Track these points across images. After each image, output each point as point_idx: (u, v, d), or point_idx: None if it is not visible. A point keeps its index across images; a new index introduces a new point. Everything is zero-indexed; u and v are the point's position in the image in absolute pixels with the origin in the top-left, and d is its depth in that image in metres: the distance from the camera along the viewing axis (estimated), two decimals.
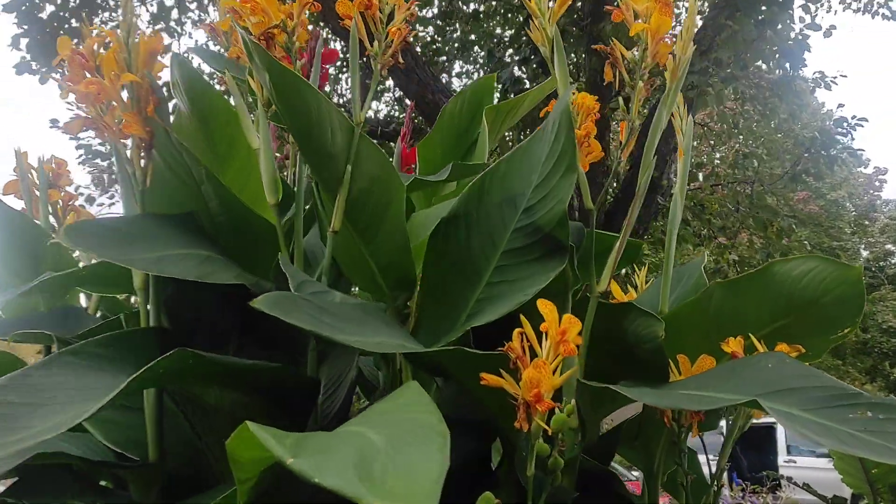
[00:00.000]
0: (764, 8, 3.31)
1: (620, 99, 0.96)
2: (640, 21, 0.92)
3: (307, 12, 0.96)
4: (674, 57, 0.96)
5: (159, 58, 0.85)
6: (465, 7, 5.25)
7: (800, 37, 3.64)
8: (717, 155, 8.51)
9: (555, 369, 0.72)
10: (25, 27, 4.19)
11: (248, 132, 0.94)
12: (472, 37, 4.94)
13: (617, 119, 5.55)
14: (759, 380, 0.80)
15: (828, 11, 7.31)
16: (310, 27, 1.01)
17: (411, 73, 4.18)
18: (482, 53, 5.02)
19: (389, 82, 5.02)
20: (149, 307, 0.84)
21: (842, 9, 7.67)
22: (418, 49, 4.88)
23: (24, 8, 3.94)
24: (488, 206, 0.97)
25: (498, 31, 5.27)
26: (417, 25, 5.28)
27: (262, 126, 0.93)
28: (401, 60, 0.95)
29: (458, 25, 5.24)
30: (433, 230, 0.97)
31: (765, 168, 6.88)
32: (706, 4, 4.88)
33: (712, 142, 8.55)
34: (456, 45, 4.85)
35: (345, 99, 7.05)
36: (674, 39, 0.95)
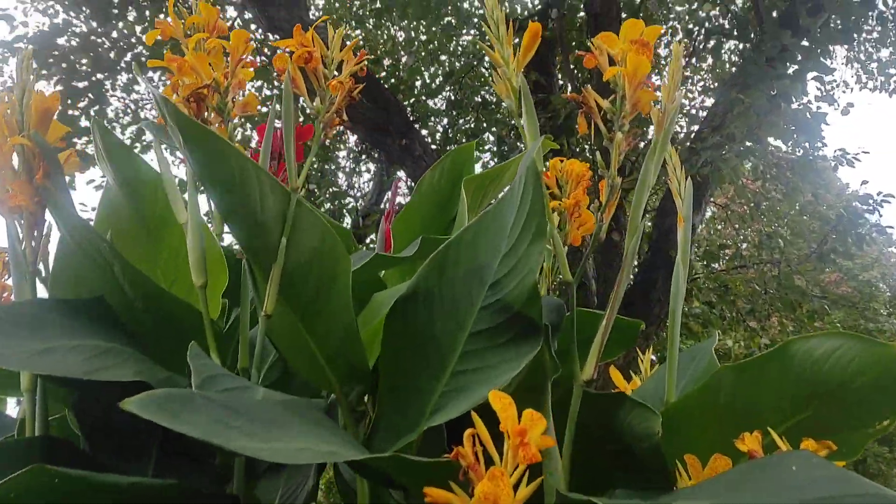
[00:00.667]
0: (775, 81, 3.23)
1: (598, 154, 0.84)
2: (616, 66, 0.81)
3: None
4: (659, 106, 0.83)
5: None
6: (475, 97, 5.27)
7: (815, 110, 3.54)
8: (742, 236, 8.34)
9: (518, 480, 0.57)
10: None
11: (175, 203, 0.83)
12: (484, 124, 4.93)
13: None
14: (783, 485, 0.63)
15: (844, 91, 7.27)
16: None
17: (419, 160, 4.14)
18: (492, 139, 5.01)
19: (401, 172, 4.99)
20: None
21: (858, 88, 7.63)
22: (427, 139, 4.86)
23: None
24: (452, 281, 0.83)
25: (508, 118, 5.26)
26: (431, 117, 5.30)
27: (191, 196, 0.82)
28: (345, 118, 0.84)
29: (470, 115, 5.25)
30: (389, 310, 0.84)
31: (791, 248, 6.69)
32: (714, 81, 4.84)
33: (736, 225, 8.40)
34: (467, 132, 4.83)
35: (361, 192, 7.06)
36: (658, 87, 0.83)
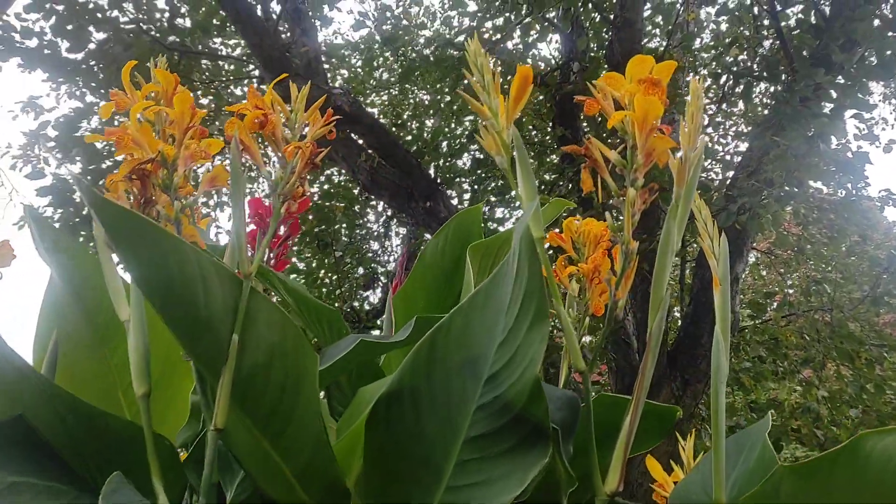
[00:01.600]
0: (812, 122, 3.07)
1: (608, 215, 0.70)
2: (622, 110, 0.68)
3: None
4: (679, 155, 0.70)
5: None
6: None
7: (856, 149, 3.37)
8: (788, 282, 8.02)
9: None
10: None
11: (116, 298, 0.71)
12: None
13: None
14: None
15: (883, 128, 7.03)
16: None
17: (445, 222, 4.01)
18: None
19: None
20: None
21: None
22: (454, 199, 4.77)
23: None
24: (442, 376, 0.69)
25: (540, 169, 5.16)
26: (457, 178, 5.21)
27: (134, 293, 0.70)
28: (308, 190, 0.72)
29: (496, 173, 5.15)
30: (369, 413, 0.70)
31: (841, 293, 6.39)
32: (747, 125, 4.67)
33: (781, 270, 8.10)
34: (493, 191, 4.72)
35: (394, 256, 6.99)
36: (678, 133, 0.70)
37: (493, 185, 4.71)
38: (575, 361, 0.68)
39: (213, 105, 5.05)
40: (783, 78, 3.51)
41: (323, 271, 5.33)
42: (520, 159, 0.73)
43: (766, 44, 4.28)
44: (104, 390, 0.82)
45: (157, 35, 4.03)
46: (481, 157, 4.86)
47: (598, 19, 4.27)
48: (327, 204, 5.09)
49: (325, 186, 5.40)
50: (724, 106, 4.38)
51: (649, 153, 0.69)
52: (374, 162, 3.74)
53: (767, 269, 8.47)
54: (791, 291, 7.76)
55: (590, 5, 4.12)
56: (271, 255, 1.39)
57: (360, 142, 3.84)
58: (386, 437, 0.70)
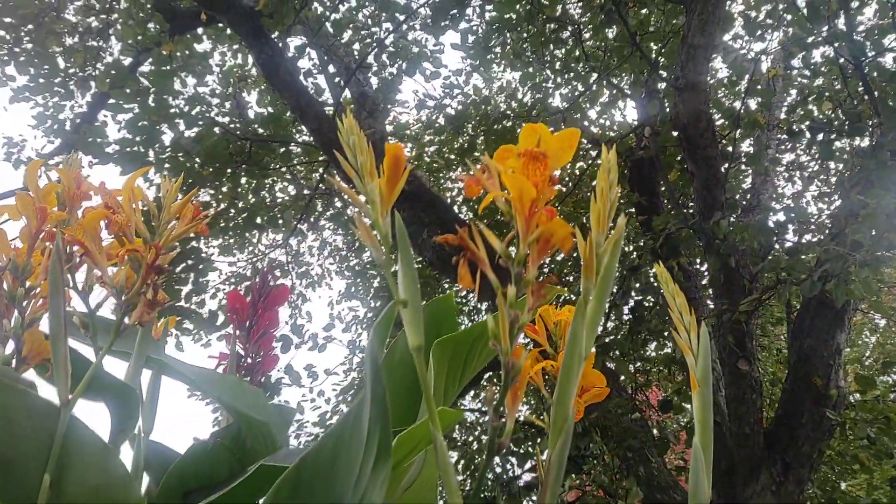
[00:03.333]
0: None
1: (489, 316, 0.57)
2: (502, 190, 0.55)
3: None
4: (587, 239, 0.57)
5: None
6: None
7: None
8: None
9: None
10: None
11: None
12: None
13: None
14: None
15: None
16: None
17: None
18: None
19: None
20: None
21: None
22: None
23: None
24: None
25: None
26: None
27: None
28: (163, 298, 0.62)
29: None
30: None
31: None
32: (827, 185, 4.33)
33: (876, 336, 7.44)
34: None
35: None
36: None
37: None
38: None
39: (289, 189, 5.17)
40: (869, 132, 3.23)
41: None
42: (402, 253, 0.62)
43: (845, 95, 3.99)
44: None
45: (230, 124, 4.18)
46: None
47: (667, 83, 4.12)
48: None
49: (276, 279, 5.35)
50: (811, 164, 4.09)
51: (545, 241, 0.56)
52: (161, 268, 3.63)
53: (890, 336, 7.78)
54: None
55: (659, 70, 3.98)
56: (258, 352, 1.31)
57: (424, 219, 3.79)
58: None
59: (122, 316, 0.60)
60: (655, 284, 3.98)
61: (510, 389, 0.54)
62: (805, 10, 3.63)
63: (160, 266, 0.60)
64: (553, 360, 0.81)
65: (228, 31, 5.07)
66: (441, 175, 5.47)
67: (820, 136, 3.43)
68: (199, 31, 5.05)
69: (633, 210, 4.62)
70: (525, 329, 0.92)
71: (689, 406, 4.37)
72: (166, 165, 4.11)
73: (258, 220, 4.96)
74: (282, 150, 4.53)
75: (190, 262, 4.48)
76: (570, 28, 4.62)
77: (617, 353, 4.29)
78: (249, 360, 1.30)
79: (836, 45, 3.54)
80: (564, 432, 0.54)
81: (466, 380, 1.02)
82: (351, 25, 4.67)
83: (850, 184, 2.93)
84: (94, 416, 0.73)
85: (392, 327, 1.03)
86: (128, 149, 3.98)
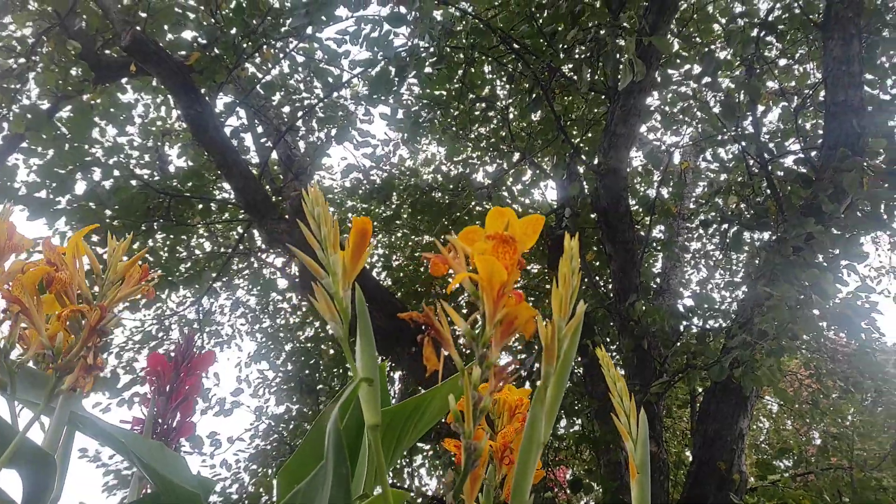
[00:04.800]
0: (805, 272, 2.95)
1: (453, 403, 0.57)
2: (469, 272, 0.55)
3: None
4: (546, 324, 0.57)
5: None
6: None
7: (864, 299, 3.23)
8: (805, 438, 7.63)
9: None
10: None
11: None
12: None
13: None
14: None
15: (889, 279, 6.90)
16: None
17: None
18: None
19: None
20: None
21: None
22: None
23: None
24: None
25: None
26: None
27: None
28: (100, 362, 0.59)
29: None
30: None
31: (861, 449, 6.02)
32: (733, 275, 4.57)
33: (797, 424, 7.74)
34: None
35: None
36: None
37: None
38: None
39: (205, 246, 5.04)
40: (774, 227, 3.43)
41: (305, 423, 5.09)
42: (361, 328, 0.61)
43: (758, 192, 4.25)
44: None
45: (149, 178, 4.08)
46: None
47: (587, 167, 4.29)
48: (312, 348, 4.95)
49: (312, 332, 5.28)
50: (718, 253, 4.30)
51: (509, 323, 0.56)
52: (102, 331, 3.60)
53: (780, 420, 8.09)
54: (808, 447, 7.36)
55: (581, 155, 4.13)
56: (175, 418, 1.25)
57: None
58: None
59: (57, 380, 0.57)
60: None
61: (470, 474, 0.53)
62: (717, 109, 3.88)
63: (104, 329, 0.57)
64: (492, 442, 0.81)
65: (154, 82, 5.00)
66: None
67: (728, 228, 3.61)
68: (124, 80, 4.96)
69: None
70: (460, 405, 0.92)
71: (596, 485, 4.39)
72: (77, 215, 3.95)
73: (169, 278, 4.80)
74: (200, 206, 4.43)
75: None
76: (497, 108, 4.77)
77: None
78: (166, 426, 1.24)
79: (743, 143, 3.78)
80: None
81: (400, 453, 1.00)
82: (282, 88, 4.68)
83: (756, 275, 3.08)
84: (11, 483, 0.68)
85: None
86: (35, 193, 3.82)
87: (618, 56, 2.61)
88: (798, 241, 3.15)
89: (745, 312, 3.11)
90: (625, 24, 2.76)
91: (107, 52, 4.74)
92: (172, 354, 1.25)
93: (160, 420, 1.22)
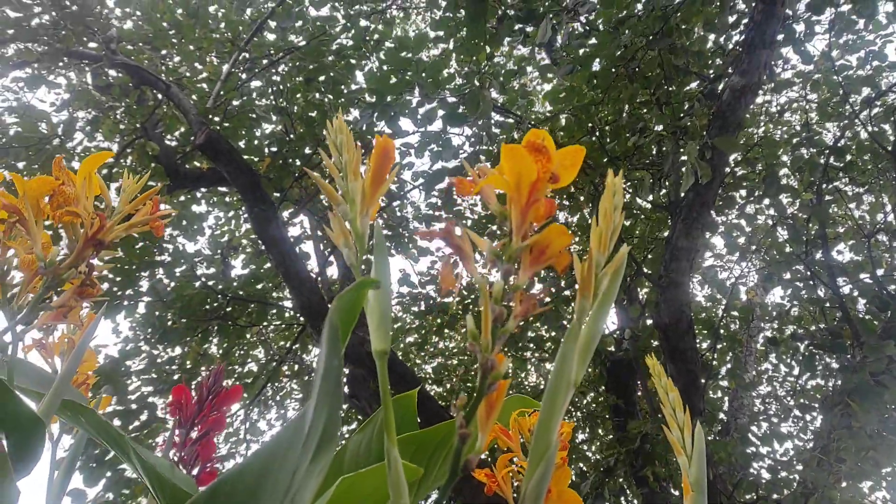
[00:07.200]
0: (887, 397, 2.73)
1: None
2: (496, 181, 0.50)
3: None
4: (581, 257, 0.51)
5: None
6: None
7: None
8: None
9: None
10: None
11: None
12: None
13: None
14: None
15: None
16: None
17: None
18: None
19: None
20: None
21: None
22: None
23: None
24: None
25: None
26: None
27: None
28: (98, 289, 0.54)
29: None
30: None
31: None
32: (808, 399, 4.26)
33: None
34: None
35: None
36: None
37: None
38: None
39: (257, 354, 5.03)
40: (850, 352, 3.23)
41: None
42: (377, 250, 0.55)
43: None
44: None
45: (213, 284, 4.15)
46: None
47: (649, 289, 4.19)
48: None
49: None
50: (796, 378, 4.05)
51: (540, 250, 0.49)
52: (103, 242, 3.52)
53: None
54: None
55: (643, 270, 4.05)
56: (196, 464, 1.17)
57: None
58: None
59: (44, 289, 0.52)
60: (626, 489, 3.78)
61: (486, 398, 0.45)
62: (785, 235, 3.78)
63: (101, 239, 0.53)
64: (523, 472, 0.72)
65: (227, 198, 5.20)
66: (413, 354, 5.41)
67: (799, 348, 3.43)
68: (199, 194, 5.18)
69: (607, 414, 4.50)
70: (497, 434, 0.83)
71: None
72: (137, 313, 4.02)
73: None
74: (256, 311, 4.46)
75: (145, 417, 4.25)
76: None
77: None
78: (184, 469, 1.16)
79: (811, 271, 3.65)
80: (545, 460, 0.45)
81: (427, 489, 0.90)
82: None
83: (834, 401, 2.88)
84: None
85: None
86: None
87: (680, 160, 2.59)
88: (878, 366, 2.94)
89: (821, 438, 2.88)
90: (688, 124, 2.75)
91: (186, 166, 4.99)
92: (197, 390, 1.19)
93: (176, 461, 1.14)
